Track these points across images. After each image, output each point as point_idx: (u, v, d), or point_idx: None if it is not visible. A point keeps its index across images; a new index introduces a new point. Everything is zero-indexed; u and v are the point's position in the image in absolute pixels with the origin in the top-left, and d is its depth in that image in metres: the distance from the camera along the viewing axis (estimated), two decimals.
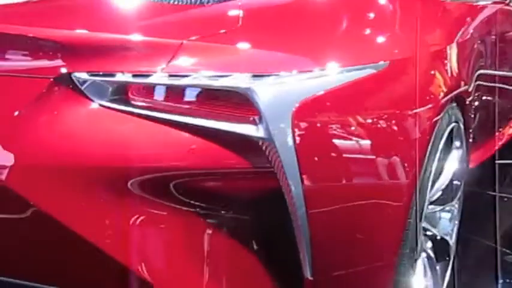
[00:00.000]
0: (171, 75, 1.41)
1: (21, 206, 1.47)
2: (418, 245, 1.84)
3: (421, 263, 2.04)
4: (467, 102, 2.24)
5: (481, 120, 2.78)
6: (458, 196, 2.30)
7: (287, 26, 1.75)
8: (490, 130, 3.11)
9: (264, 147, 1.40)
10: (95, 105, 1.46)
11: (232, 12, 1.78)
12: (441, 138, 1.90)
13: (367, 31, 1.88)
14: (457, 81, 2.09)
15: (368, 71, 1.59)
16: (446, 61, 2.07)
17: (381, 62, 1.64)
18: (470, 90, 2.31)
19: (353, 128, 1.58)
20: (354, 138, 1.60)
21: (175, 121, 1.42)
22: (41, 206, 1.43)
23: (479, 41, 2.59)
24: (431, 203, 2.16)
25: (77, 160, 1.43)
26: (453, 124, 2.03)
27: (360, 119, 1.60)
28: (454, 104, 2.04)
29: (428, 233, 2.18)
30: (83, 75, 1.45)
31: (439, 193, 2.20)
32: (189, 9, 1.85)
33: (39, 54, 1.54)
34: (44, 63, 1.53)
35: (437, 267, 2.20)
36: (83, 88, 1.44)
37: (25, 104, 1.50)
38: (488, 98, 2.88)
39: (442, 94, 1.92)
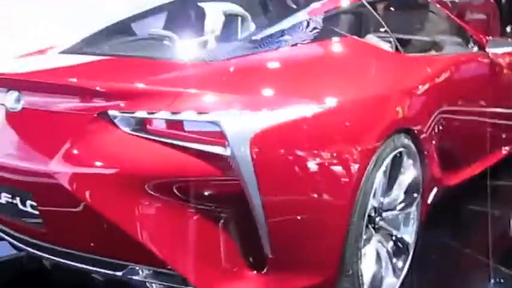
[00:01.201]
0: (172, 113, 1.62)
1: (72, 201, 1.67)
2: (362, 237, 1.89)
3: (373, 255, 2.10)
4: (420, 133, 2.27)
5: (452, 146, 2.79)
6: (416, 203, 2.31)
7: (256, 80, 1.88)
8: (466, 155, 3.10)
9: (232, 164, 1.56)
10: (124, 132, 1.66)
11: (214, 71, 1.90)
12: (384, 160, 1.96)
13: (322, 82, 1.96)
14: (402, 119, 2.14)
15: (313, 109, 1.74)
16: (390, 104, 2.12)
17: (326, 103, 1.79)
18: (424, 124, 2.34)
19: (300, 151, 1.70)
20: (302, 159, 1.71)
21: (174, 144, 1.61)
22: (86, 199, 1.64)
23: (438, 87, 2.59)
24: (392, 209, 2.23)
25: (111, 169, 1.65)
26: (400, 149, 2.09)
27: (306, 144, 1.72)
28: (401, 134, 2.09)
29: (389, 233, 2.22)
30: (115, 112, 1.66)
31: (399, 200, 2.25)
32: (189, 67, 1.95)
33: (88, 98, 1.74)
34: (89, 104, 1.74)
35: (398, 261, 2.23)
36: (115, 121, 1.66)
37: (77, 131, 1.71)
38: (457, 129, 2.86)
39: (382, 129, 1.97)
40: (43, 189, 1.75)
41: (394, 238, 2.25)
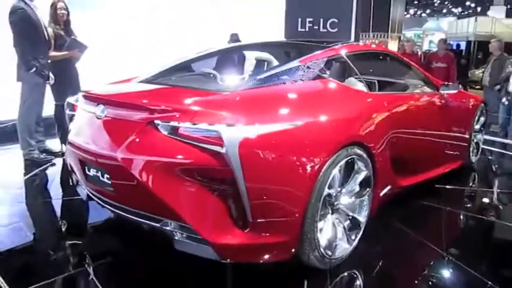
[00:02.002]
0: (192, 124, 1.77)
1: (130, 176, 1.82)
2: (318, 214, 1.96)
3: (329, 227, 2.14)
4: (372, 146, 2.28)
5: (404, 158, 2.76)
6: (367, 194, 2.33)
7: (251, 104, 1.97)
8: (416, 164, 3.07)
9: (226, 159, 1.71)
10: (163, 135, 1.81)
11: (227, 97, 2.01)
12: (338, 163, 2.02)
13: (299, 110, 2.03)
14: (355, 136, 2.18)
15: (286, 126, 1.86)
16: (346, 126, 2.16)
17: (295, 122, 1.90)
18: (376, 140, 2.35)
19: (275, 153, 1.80)
20: (276, 158, 1.80)
21: (193, 144, 1.75)
22: (138, 175, 1.80)
23: (391, 116, 2.59)
24: (349, 197, 2.27)
25: (154, 157, 1.79)
26: (352, 156, 2.13)
27: (279, 148, 1.81)
28: (354, 146, 2.14)
29: (346, 214, 2.27)
30: (158, 122, 1.82)
31: (355, 191, 2.29)
32: (212, 94, 2.04)
33: (142, 111, 1.88)
34: (141, 115, 1.88)
35: (352, 234, 2.28)
36: (158, 127, 1.82)
37: (135, 132, 1.87)
38: (409, 146, 2.85)
39: (337, 142, 2.03)
40: (113, 167, 1.92)
41: (350, 218, 2.29)
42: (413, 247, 2.57)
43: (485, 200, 3.61)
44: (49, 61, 4.05)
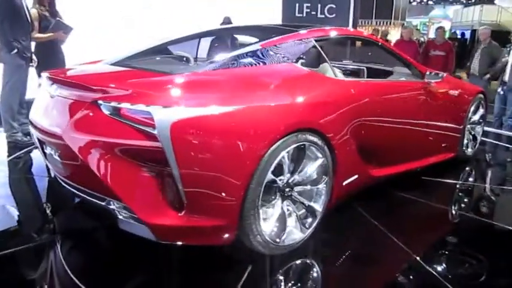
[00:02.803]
0: (131, 104, 1.82)
1: (74, 155, 1.90)
2: (259, 199, 1.97)
3: (277, 214, 2.15)
4: (329, 133, 2.27)
5: (374, 147, 2.73)
6: (324, 182, 2.32)
7: (194, 87, 2.01)
8: (392, 154, 3.04)
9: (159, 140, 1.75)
10: (105, 115, 1.86)
11: (176, 80, 2.04)
12: (284, 149, 2.02)
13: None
14: (306, 122, 2.17)
15: (222, 109, 1.87)
16: (296, 111, 2.15)
17: (237, 106, 1.93)
18: (335, 127, 2.34)
19: (209, 136, 1.82)
20: (209, 142, 1.82)
21: (131, 124, 1.80)
22: (80, 154, 1.87)
23: (357, 104, 2.57)
24: (305, 184, 2.27)
25: (95, 136, 1.86)
26: (303, 142, 2.13)
27: (214, 132, 1.82)
28: (306, 132, 2.14)
29: (301, 201, 2.29)
30: (101, 102, 1.88)
31: (312, 178, 2.28)
32: (165, 77, 2.06)
33: (87, 91, 1.94)
34: (87, 95, 1.93)
35: (306, 223, 2.29)
36: (101, 107, 1.88)
37: (79, 111, 1.93)
38: (380, 135, 2.81)
39: (283, 128, 2.01)
40: (60, 146, 2.01)
41: (306, 206, 2.30)
42: (373, 239, 2.55)
43: (470, 194, 3.56)
44: (32, 43, 4.16)
